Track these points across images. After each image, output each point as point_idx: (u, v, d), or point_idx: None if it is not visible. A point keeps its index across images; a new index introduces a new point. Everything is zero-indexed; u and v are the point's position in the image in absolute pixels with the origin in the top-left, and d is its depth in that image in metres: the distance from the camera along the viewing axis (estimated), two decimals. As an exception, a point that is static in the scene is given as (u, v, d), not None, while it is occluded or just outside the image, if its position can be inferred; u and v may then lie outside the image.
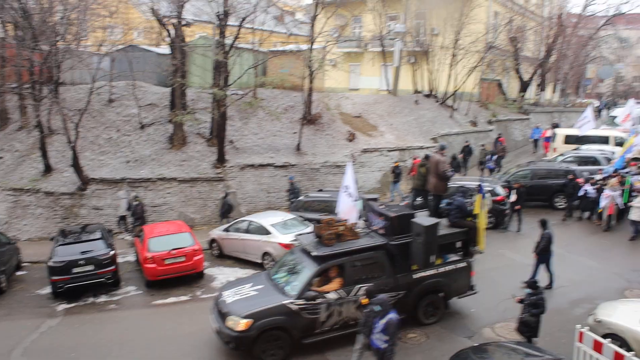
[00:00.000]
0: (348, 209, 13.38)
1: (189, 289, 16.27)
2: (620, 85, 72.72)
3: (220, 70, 22.88)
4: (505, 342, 10.66)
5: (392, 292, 12.08)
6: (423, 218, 12.56)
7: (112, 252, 16.33)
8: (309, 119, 26.96)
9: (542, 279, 15.03)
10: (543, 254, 14.74)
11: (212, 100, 23.37)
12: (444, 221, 13.16)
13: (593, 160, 25.34)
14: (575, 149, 27.61)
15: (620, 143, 28.25)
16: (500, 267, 16.53)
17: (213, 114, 23.53)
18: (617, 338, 10.66)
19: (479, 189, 13.32)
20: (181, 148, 23.94)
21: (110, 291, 16.28)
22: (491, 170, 27.91)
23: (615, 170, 21.67)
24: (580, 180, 21.11)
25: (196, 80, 25.98)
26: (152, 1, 23.27)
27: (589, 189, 20.61)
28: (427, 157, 14.29)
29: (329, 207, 18.97)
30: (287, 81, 26.40)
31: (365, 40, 41.30)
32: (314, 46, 27.65)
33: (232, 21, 24.10)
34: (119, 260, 17.29)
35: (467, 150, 29.15)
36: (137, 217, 20.07)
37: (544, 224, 14.92)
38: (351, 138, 26.95)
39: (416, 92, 36.04)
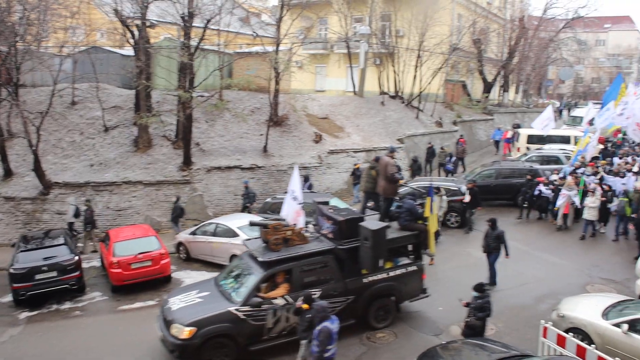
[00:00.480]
0: (294, 213, 13.17)
1: (156, 294, 16.07)
2: (580, 86, 74.56)
3: (186, 72, 22.67)
4: (472, 339, 10.86)
5: (341, 297, 12.11)
6: (371, 222, 12.45)
7: (76, 258, 16.05)
8: (275, 120, 26.91)
9: (501, 277, 15.45)
10: (495, 252, 15.02)
11: (178, 103, 23.16)
12: (394, 224, 13.23)
13: (555, 160, 25.92)
14: (538, 149, 28.17)
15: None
16: (466, 266, 16.77)
17: (179, 116, 23.30)
18: (579, 332, 11.02)
19: (428, 192, 13.50)
20: (146, 151, 23.66)
21: (75, 297, 15.99)
22: (449, 172, 28.26)
23: (573, 171, 22.14)
24: (542, 179, 21.54)
25: (161, 82, 25.69)
26: (115, 2, 22.88)
27: (543, 188, 20.91)
28: (377, 160, 14.14)
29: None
30: (253, 83, 26.27)
31: (331, 42, 41.42)
32: (280, 48, 27.64)
33: (197, 22, 23.92)
34: (84, 265, 17.01)
35: (430, 152, 29.30)
36: (87, 223, 19.71)
37: (493, 224, 15.17)
38: (318, 139, 27.00)
39: (382, 93, 36.28)
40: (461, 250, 18.41)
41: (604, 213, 19.33)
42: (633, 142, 31.00)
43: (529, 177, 21.69)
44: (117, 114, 25.31)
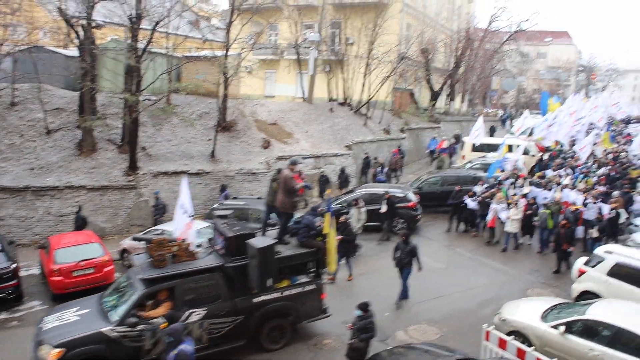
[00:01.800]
0: (184, 227, 12.39)
1: (99, 302, 15.66)
2: (522, 96, 77.01)
3: (133, 74, 22.25)
4: (418, 344, 11.13)
5: (229, 317, 11.57)
6: (260, 239, 11.87)
7: (13, 265, 15.46)
8: (224, 125, 26.71)
9: (446, 283, 15.84)
10: (407, 266, 14.72)
11: (124, 106, 22.68)
12: (293, 241, 12.79)
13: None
14: (482, 157, 28.90)
15: (525, 152, 29.98)
16: (413, 272, 17.02)
17: (125, 119, 22.83)
18: (520, 335, 11.44)
19: (327, 208, 12.90)
20: (91, 155, 23.05)
21: (12, 307, 15.37)
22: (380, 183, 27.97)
23: (500, 182, 22.69)
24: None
25: (107, 85, 25.11)
26: (59, 0, 22.22)
27: (468, 201, 20.95)
28: (279, 172, 13.33)
29: (243, 214, 18.96)
30: (201, 87, 26.06)
31: (281, 48, 41.50)
32: (230, 52, 27.46)
33: (145, 24, 23.54)
34: (22, 273, 16.42)
35: (365, 163, 29.22)
36: None
37: (406, 237, 14.97)
38: (266, 145, 26.97)
39: (331, 100, 36.59)
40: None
41: (528, 225, 19.63)
42: (568, 155, 32.08)
43: (457, 188, 21.86)
44: (60, 116, 24.55)
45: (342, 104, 36.25)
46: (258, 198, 21.49)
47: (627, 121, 57.47)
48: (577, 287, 14.48)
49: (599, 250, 14.83)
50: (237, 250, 11.58)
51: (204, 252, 12.26)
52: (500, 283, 16.49)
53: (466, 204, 20.97)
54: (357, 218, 18.72)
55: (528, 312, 12.11)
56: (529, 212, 19.44)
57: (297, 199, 13.04)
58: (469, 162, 29.09)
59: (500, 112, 61.84)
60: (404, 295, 14.93)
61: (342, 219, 17.09)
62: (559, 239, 17.17)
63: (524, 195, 20.41)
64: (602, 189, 21.87)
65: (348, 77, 35.91)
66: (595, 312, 11.13)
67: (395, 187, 24.37)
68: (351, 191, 23.56)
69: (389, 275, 15.53)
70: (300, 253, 12.45)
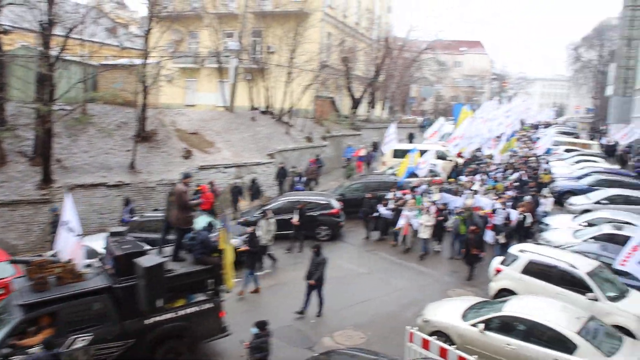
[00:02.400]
0: (70, 247, 11.52)
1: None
2: (441, 103, 79.71)
3: (45, 83, 21.38)
4: (344, 349, 11.33)
5: (119, 341, 10.88)
6: (149, 257, 11.27)
7: None
8: (143, 136, 26.10)
9: (367, 288, 16.21)
10: (319, 280, 14.52)
11: (36, 116, 21.74)
12: (189, 257, 12.34)
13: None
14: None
15: (441, 157, 31.09)
16: (337, 277, 17.32)
17: (37, 130, 21.89)
18: (443, 334, 11.92)
19: (223, 223, 12.56)
20: (0, 168, 21.96)
21: None
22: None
23: (412, 189, 23.18)
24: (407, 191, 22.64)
25: (17, 94, 23.96)
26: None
27: (382, 209, 21.08)
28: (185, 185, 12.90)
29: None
30: (119, 96, 25.42)
31: (202, 56, 41.08)
32: (149, 61, 26.93)
33: (58, 31, 22.66)
34: None
35: (282, 173, 28.64)
36: None
37: (317, 250, 14.78)
38: (187, 155, 26.59)
39: (253, 108, 36.54)
40: (331, 262, 18.85)
41: (439, 231, 20.02)
42: (482, 161, 33.38)
43: (368, 196, 22.09)
44: (-34, 127, 23.29)
45: (264, 112, 36.28)
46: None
47: (536, 126, 60.63)
48: (494, 286, 15.21)
49: (513, 249, 15.68)
50: (126, 269, 10.97)
51: (92, 273, 11.49)
52: (422, 285, 17.05)
53: (379, 213, 21.17)
54: (266, 229, 18.29)
55: (449, 312, 12.66)
56: (441, 218, 19.86)
57: (191, 214, 12.61)
58: (390, 167, 29.78)
59: (420, 119, 63.69)
60: (320, 308, 14.75)
61: (249, 230, 17.11)
62: (467, 245, 17.57)
63: (434, 202, 20.83)
64: (511, 193, 22.86)
65: (270, 86, 36.00)
66: (510, 308, 11.82)
67: (318, 194, 24.67)
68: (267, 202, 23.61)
69: (301, 288, 15.22)
70: (196, 270, 11.97)
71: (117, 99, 25.02)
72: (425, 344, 11.13)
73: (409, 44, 56.34)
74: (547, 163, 33.17)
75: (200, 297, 12.03)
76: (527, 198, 21.53)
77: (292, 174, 28.52)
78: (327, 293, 15.35)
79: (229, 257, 12.03)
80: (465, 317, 12.20)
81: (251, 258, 16.41)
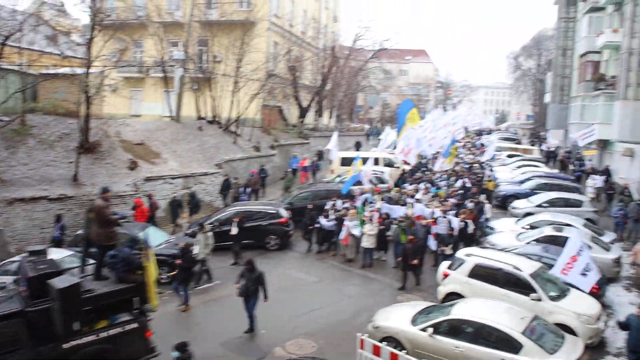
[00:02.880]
0: None
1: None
2: (387, 111, 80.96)
3: (-19, 94, 20.72)
4: (296, 358, 11.39)
5: None
6: (64, 277, 10.62)
7: None
8: (86, 147, 25.45)
9: (319, 296, 16.31)
10: (254, 296, 14.16)
11: (-28, 128, 21.03)
12: (111, 276, 11.62)
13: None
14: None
15: (389, 164, 31.57)
16: (288, 287, 17.51)
17: (-27, 143, 21.16)
18: (393, 340, 12.18)
19: (144, 241, 11.95)
20: None
21: None
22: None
23: (353, 198, 23.01)
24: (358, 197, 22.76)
25: (-49, 105, 23.15)
26: None
27: (323, 221, 20.89)
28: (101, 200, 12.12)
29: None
30: (61, 107, 24.73)
31: (147, 66, 40.51)
32: (91, 70, 26.36)
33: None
34: None
35: (225, 185, 28.31)
36: None
37: (251, 265, 14.28)
38: (133, 166, 26.12)
39: (200, 118, 36.23)
40: (282, 272, 19.16)
41: (382, 241, 20.05)
42: (427, 168, 34.02)
43: (309, 207, 22.10)
44: None
45: (211, 122, 36.04)
46: (126, 222, 20.85)
47: (480, 133, 62.35)
48: (443, 290, 15.62)
49: (460, 254, 16.12)
50: (41, 291, 10.29)
51: (4, 296, 10.76)
52: (372, 292, 17.33)
53: (320, 225, 21.01)
54: (204, 243, 17.82)
55: (399, 317, 12.93)
56: (382, 227, 19.92)
57: (113, 230, 11.91)
58: (338, 175, 30.03)
59: (367, 127, 64.50)
60: (251, 327, 14.34)
61: (182, 244, 16.85)
62: (405, 254, 17.40)
63: (378, 210, 20.81)
64: (453, 201, 23.32)
65: (217, 95, 35.79)
66: (458, 311, 12.17)
67: (266, 204, 24.69)
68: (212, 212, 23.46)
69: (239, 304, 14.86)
70: (118, 289, 11.26)
71: (58, 110, 24.33)
72: (376, 350, 11.33)
73: (356, 53, 57.12)
74: (492, 170, 34.13)
75: (125, 317, 11.41)
76: (470, 205, 21.84)
77: (234, 185, 28.28)
78: (278, 302, 15.44)
79: (151, 275, 11.47)
80: (414, 322, 12.47)
81: (183, 273, 16.01)
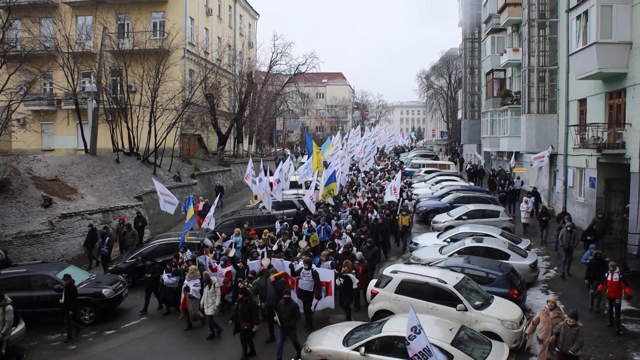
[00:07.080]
0: None
1: None
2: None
3: None
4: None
5: None
6: None
7: None
8: (-5, 186, 24.27)
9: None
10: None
11: None
12: None
13: (289, 204, 27.84)
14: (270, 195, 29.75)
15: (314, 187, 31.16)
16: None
17: None
18: None
19: None
20: None
21: None
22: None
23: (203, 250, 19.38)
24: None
25: None
26: None
27: (165, 277, 17.41)
28: None
29: (26, 283, 17.32)
30: (-35, 145, 23.49)
31: (58, 98, 39.13)
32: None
33: None
34: None
35: (92, 234, 23.53)
36: None
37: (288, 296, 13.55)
38: (47, 204, 25.00)
39: (117, 150, 35.20)
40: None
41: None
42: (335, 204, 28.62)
43: (149, 263, 18.58)
44: None
45: (128, 153, 35.14)
46: (42, 262, 19.96)
47: (398, 152, 63.97)
48: (372, 308, 15.83)
49: (387, 271, 16.36)
50: None
51: None
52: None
53: (162, 281, 17.49)
54: (3, 320, 13.63)
55: (331, 339, 13.04)
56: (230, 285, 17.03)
57: None
58: (261, 201, 29.88)
59: (288, 151, 64.76)
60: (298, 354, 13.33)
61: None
62: (236, 317, 14.09)
63: (226, 264, 17.63)
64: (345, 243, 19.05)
65: (133, 126, 34.94)
66: (388, 328, 12.40)
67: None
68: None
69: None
70: None
71: (-38, 148, 23.08)
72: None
73: (272, 78, 57.56)
74: (410, 186, 34.72)
75: None
76: (358, 254, 17.86)
77: (102, 233, 23.49)
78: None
79: None
80: (346, 342, 12.60)
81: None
